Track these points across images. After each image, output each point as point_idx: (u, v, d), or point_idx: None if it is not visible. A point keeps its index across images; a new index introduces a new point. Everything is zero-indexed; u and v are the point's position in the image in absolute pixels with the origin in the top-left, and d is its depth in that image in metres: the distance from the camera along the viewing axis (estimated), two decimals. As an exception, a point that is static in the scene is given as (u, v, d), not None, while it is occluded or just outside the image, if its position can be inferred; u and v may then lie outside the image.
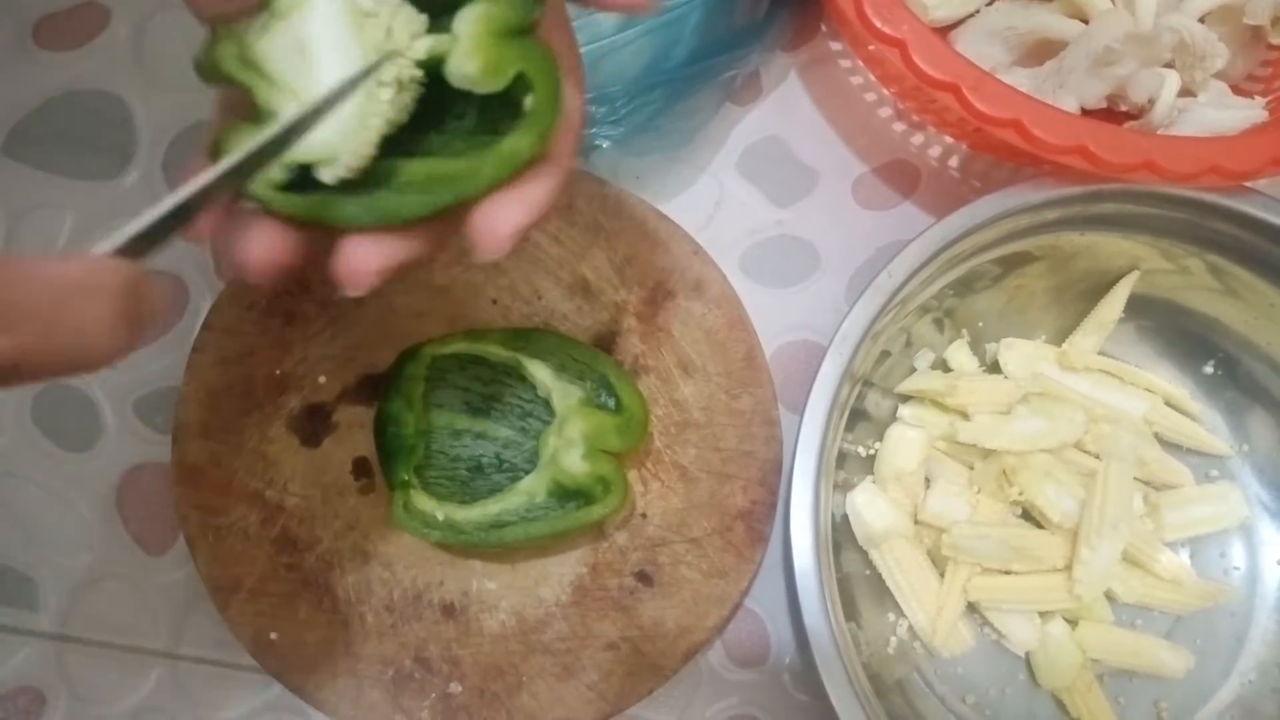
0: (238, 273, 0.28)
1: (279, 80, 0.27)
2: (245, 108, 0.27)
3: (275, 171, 0.26)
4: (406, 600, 0.46)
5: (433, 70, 0.28)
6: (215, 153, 0.27)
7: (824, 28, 0.55)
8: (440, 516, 0.44)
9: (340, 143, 0.27)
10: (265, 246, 0.27)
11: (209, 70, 0.27)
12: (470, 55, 0.27)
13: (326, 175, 0.27)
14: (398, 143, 0.28)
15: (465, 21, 0.27)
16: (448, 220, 0.29)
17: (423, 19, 0.28)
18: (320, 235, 0.28)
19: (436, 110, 0.29)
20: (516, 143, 0.27)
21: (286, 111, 0.26)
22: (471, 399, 0.47)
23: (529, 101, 0.27)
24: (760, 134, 0.54)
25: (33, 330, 0.18)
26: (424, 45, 0.27)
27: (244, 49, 0.27)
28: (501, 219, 0.28)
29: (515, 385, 0.47)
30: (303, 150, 0.26)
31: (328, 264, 0.27)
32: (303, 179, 0.27)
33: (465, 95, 0.28)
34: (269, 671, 0.45)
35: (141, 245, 0.22)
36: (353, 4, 0.27)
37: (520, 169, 0.28)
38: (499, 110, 0.28)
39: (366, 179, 0.27)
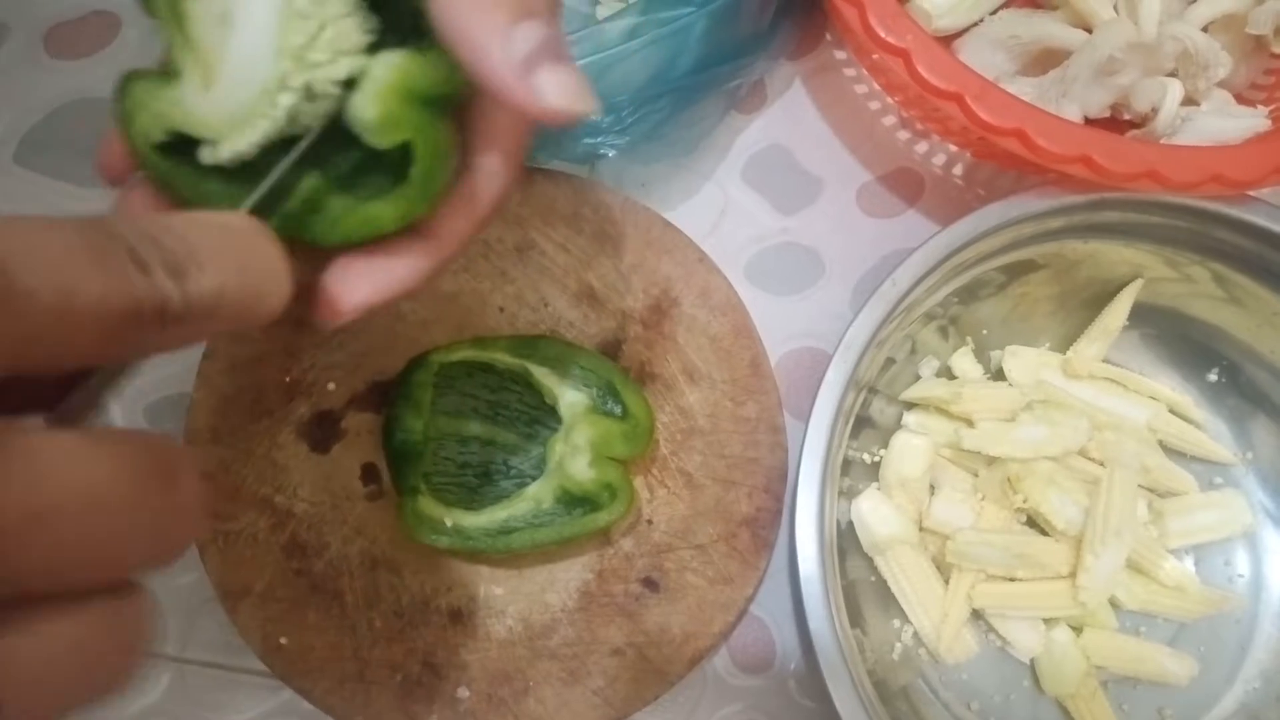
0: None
1: (193, 43, 0.25)
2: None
3: (157, 131, 0.25)
4: (414, 605, 0.46)
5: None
6: (123, 84, 0.25)
7: (828, 37, 0.55)
8: (448, 523, 0.44)
9: (225, 129, 0.25)
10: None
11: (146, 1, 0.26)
12: (369, 102, 0.25)
13: (206, 155, 0.25)
14: (311, 158, 0.26)
15: (382, 66, 0.25)
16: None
17: (358, 39, 0.25)
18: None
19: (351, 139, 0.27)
20: (380, 209, 0.25)
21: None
22: (479, 406, 0.48)
23: (412, 174, 0.25)
24: (765, 142, 0.54)
25: (230, 266, 0.18)
26: (346, 66, 0.25)
27: None
28: (348, 289, 0.26)
29: (522, 392, 0.48)
30: (192, 120, 0.25)
31: None
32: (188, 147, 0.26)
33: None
34: (278, 676, 0.45)
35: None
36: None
37: (377, 237, 0.26)
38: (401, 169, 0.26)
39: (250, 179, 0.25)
